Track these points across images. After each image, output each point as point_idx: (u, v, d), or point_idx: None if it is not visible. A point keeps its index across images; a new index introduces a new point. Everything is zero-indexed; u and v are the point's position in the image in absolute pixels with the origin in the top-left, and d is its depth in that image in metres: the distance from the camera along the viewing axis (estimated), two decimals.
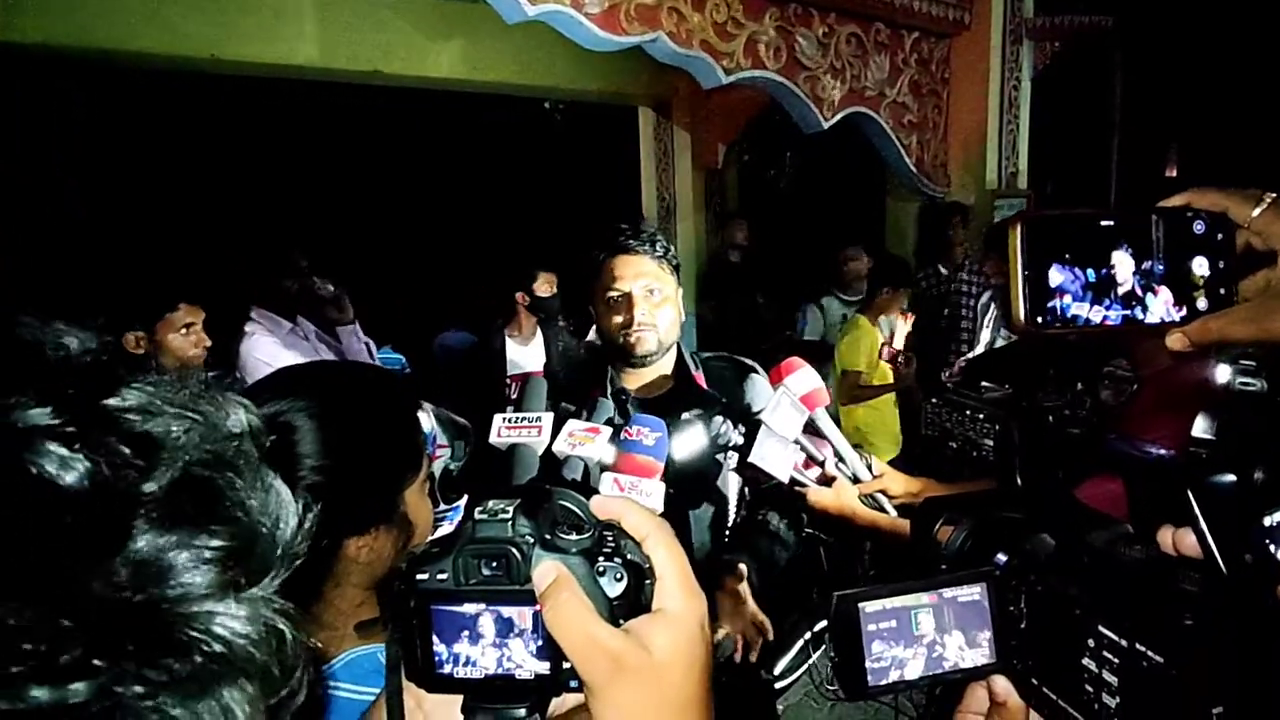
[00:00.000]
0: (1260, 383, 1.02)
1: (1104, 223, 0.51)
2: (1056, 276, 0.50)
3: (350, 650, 0.80)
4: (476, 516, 0.49)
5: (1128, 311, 0.51)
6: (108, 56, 3.27)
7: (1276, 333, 0.49)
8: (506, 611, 0.48)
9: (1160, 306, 0.52)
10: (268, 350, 2.74)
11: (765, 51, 3.38)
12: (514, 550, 0.48)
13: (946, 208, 4.25)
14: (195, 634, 0.28)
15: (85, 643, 0.25)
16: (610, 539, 0.49)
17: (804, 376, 1.45)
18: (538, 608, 0.47)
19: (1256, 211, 0.53)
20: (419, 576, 0.49)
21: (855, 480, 1.44)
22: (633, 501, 0.51)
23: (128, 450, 0.28)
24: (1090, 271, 0.50)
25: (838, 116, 3.72)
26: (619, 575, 0.47)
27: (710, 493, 1.60)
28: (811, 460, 1.47)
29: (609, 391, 1.60)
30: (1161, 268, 0.52)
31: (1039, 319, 0.49)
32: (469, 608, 0.49)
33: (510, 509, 0.48)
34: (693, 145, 5.43)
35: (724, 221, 5.50)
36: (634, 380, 1.66)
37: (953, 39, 4.22)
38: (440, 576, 0.49)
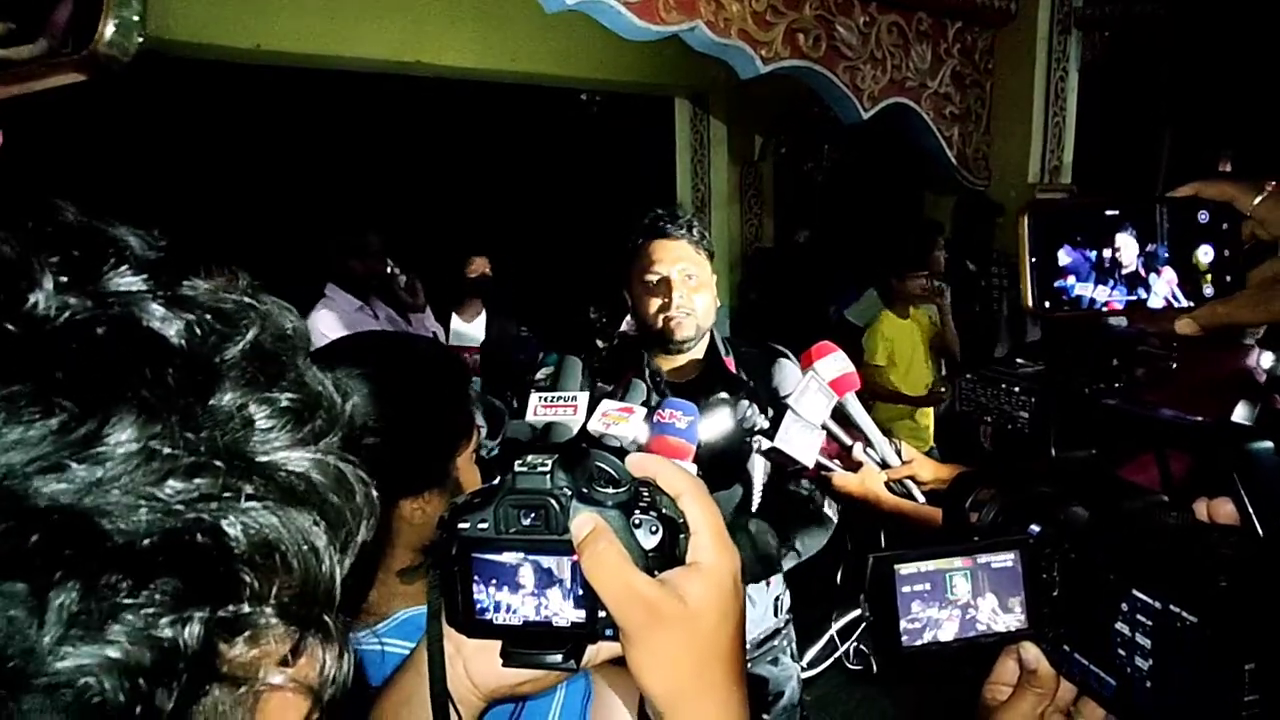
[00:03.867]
0: None
1: (1109, 211, 0.53)
2: (1064, 258, 0.51)
3: (403, 610, 0.84)
4: (516, 469, 0.50)
5: (1132, 295, 0.53)
6: (151, 45, 3.36)
7: None
8: (545, 561, 0.50)
9: (1164, 288, 0.54)
10: (331, 325, 2.89)
11: (805, 41, 3.36)
12: (552, 501, 0.49)
13: (985, 205, 4.18)
14: (281, 474, 0.31)
15: (206, 450, 0.29)
16: (646, 494, 0.50)
17: (834, 361, 1.44)
18: (575, 557, 0.48)
19: (1258, 200, 0.53)
20: (460, 525, 0.51)
21: (884, 466, 1.44)
22: (667, 460, 0.52)
23: (209, 318, 0.32)
24: (1095, 253, 0.52)
25: (877, 108, 3.68)
26: (654, 528, 0.49)
27: (738, 475, 1.61)
28: (838, 445, 1.48)
29: (644, 374, 1.62)
30: (1165, 251, 0.54)
31: (1046, 303, 0.51)
32: (509, 557, 0.51)
33: (549, 463, 0.50)
34: (729, 137, 5.41)
35: (761, 214, 5.52)
36: (668, 364, 1.68)
37: (998, 29, 4.13)
38: (481, 525, 0.50)
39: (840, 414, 1.47)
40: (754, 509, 1.68)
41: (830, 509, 1.62)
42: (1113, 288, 0.53)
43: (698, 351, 1.69)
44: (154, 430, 0.28)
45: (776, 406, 1.50)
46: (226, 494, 0.29)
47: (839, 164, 6.29)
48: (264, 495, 0.30)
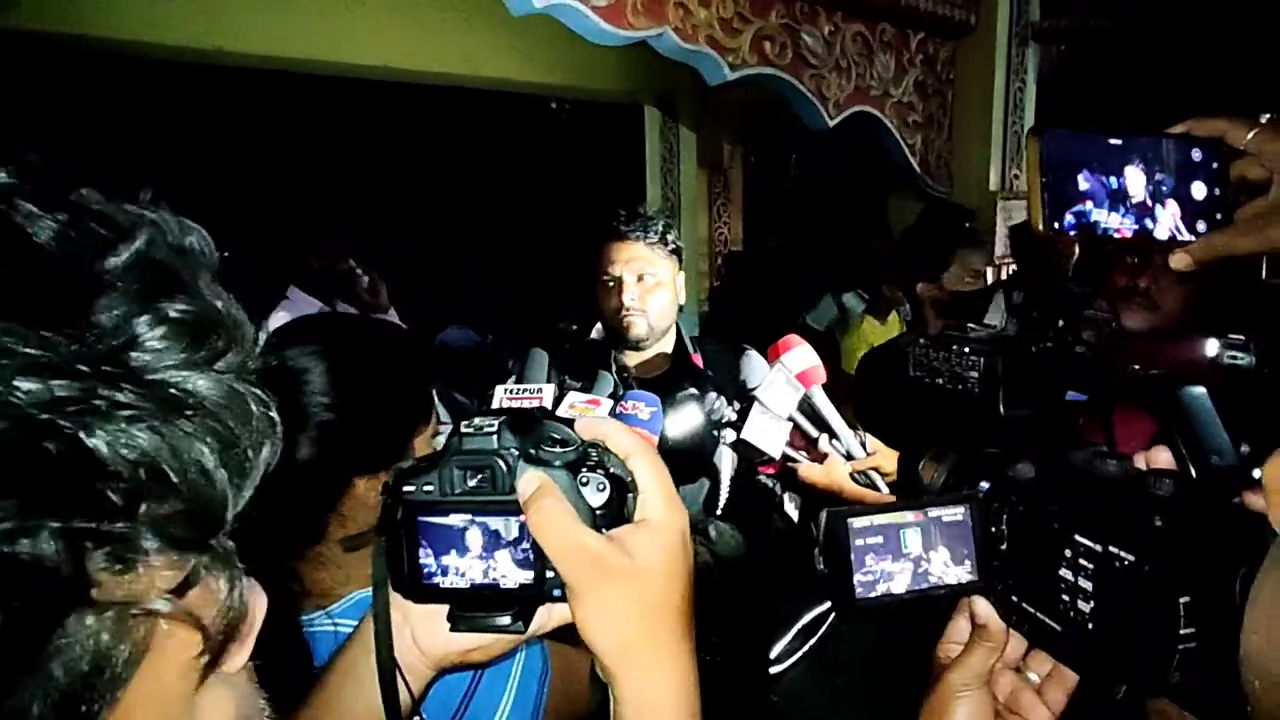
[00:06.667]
0: (1248, 357, 1.03)
1: (1113, 140, 0.54)
2: (1084, 183, 0.52)
3: (357, 591, 0.82)
4: (462, 430, 0.50)
5: (1138, 225, 0.54)
6: (107, 45, 3.31)
7: (1279, 242, 0.50)
8: (493, 523, 0.50)
9: (1169, 219, 0.55)
10: None
11: (771, 48, 3.40)
12: (499, 461, 0.49)
13: (952, 211, 4.26)
14: (165, 390, 0.29)
15: (68, 353, 0.27)
16: (594, 454, 0.50)
17: (801, 354, 1.46)
18: (523, 518, 0.48)
19: (1252, 134, 0.54)
20: (406, 488, 0.50)
21: (849, 457, 1.46)
22: (616, 422, 0.52)
23: (92, 224, 0.29)
24: (1112, 179, 0.53)
25: (843, 115, 3.74)
26: (602, 486, 0.48)
27: (705, 468, 1.62)
28: (805, 437, 1.49)
29: (611, 368, 1.63)
30: (1171, 183, 0.55)
31: (1057, 224, 0.52)
32: (456, 519, 0.50)
33: (496, 424, 0.49)
34: (698, 144, 5.45)
35: (730, 221, 5.59)
36: (634, 359, 1.69)
37: (958, 40, 4.23)
38: (427, 488, 0.50)
39: (807, 406, 1.49)
40: (721, 503, 1.69)
41: (792, 504, 1.63)
42: (1123, 216, 0.54)
43: (665, 346, 1.71)
44: (3, 326, 0.25)
45: (744, 399, 1.52)
46: (95, 402, 0.27)
47: (806, 171, 6.38)
48: (140, 408, 0.28)
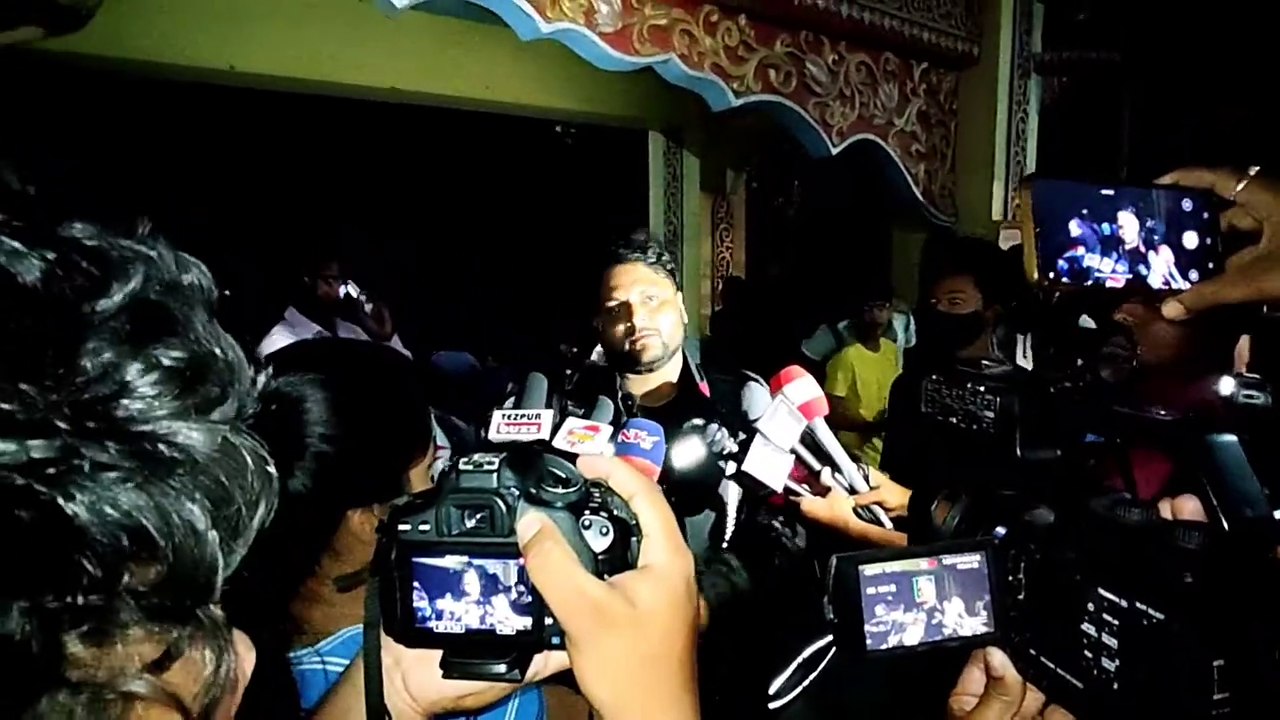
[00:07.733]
0: (1264, 397, 1.01)
1: (1105, 190, 0.53)
2: (1075, 229, 0.52)
3: (348, 628, 0.79)
4: (461, 467, 0.48)
5: (1132, 272, 0.53)
6: (127, 66, 3.34)
7: (1269, 291, 0.50)
8: (490, 566, 0.48)
9: (1163, 266, 0.54)
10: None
11: (776, 76, 3.43)
12: (498, 501, 0.47)
13: (971, 244, 4.29)
14: (153, 444, 0.27)
15: (47, 408, 0.24)
16: (597, 495, 0.48)
17: (803, 385, 1.44)
18: (522, 561, 0.46)
19: (1241, 185, 0.54)
20: (401, 527, 0.48)
21: (851, 491, 1.43)
22: (620, 461, 0.50)
23: (83, 262, 0.27)
24: (1101, 226, 0.52)
25: (846, 143, 3.76)
26: (605, 530, 0.46)
27: (710, 500, 1.59)
28: (807, 469, 1.47)
29: (617, 396, 1.61)
30: (1163, 230, 0.54)
31: (1050, 274, 0.51)
32: (452, 561, 0.48)
33: (496, 461, 0.47)
34: (702, 171, 5.49)
35: (733, 247, 5.61)
36: (640, 387, 1.67)
37: (961, 71, 4.27)
38: (423, 528, 0.48)
39: (809, 439, 1.47)
40: (728, 536, 1.65)
41: (796, 537, 1.60)
42: (1116, 261, 0.53)
43: (670, 374, 1.69)
44: None
45: (746, 431, 1.49)
46: (76, 462, 0.24)
47: (809, 198, 6.42)
48: (125, 467, 0.25)
